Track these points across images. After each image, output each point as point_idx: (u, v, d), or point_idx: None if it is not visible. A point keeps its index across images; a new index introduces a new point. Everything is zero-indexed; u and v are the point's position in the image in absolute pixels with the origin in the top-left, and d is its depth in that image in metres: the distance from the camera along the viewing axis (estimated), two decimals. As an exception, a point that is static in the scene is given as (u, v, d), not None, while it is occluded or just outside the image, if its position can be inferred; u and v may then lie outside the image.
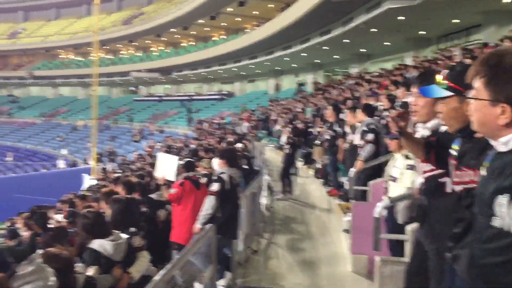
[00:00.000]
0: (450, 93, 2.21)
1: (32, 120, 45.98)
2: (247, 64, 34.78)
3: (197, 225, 5.07)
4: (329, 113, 8.83)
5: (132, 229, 4.05)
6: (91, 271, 3.27)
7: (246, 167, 8.43)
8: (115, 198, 4.44)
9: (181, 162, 6.24)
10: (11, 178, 30.11)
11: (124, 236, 3.81)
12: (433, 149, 2.57)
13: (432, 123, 2.76)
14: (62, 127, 42.90)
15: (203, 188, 5.66)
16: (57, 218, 6.48)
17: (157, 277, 2.95)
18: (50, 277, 2.73)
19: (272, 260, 6.41)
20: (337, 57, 29.54)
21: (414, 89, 2.86)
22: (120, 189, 5.51)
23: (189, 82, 46.14)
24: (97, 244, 3.46)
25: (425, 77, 2.80)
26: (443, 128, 2.56)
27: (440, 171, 2.56)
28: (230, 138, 12.84)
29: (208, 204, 5.03)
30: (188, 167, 5.89)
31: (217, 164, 5.65)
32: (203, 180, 6.04)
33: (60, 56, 55.07)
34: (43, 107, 49.38)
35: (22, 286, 2.57)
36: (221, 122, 26.87)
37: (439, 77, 2.33)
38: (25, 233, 6.28)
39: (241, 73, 39.70)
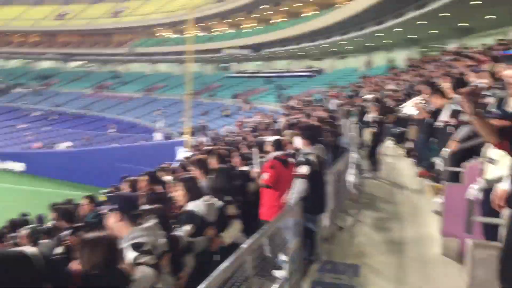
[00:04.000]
0: None
1: (132, 95, 48.95)
2: (338, 40, 34.04)
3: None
4: (427, 92, 8.43)
5: (227, 198, 4.30)
6: (186, 229, 3.56)
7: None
8: (220, 167, 4.73)
9: (270, 140, 6.00)
10: (114, 148, 32.51)
11: (217, 201, 4.08)
12: (509, 135, 2.44)
13: None
14: (159, 101, 45.21)
15: (291, 167, 5.55)
16: (168, 179, 6.97)
17: (244, 245, 3.10)
18: (161, 237, 3.09)
19: (358, 238, 6.40)
20: (434, 32, 27.93)
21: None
22: (213, 160, 5.78)
23: (279, 59, 46.26)
24: (192, 205, 3.77)
25: None
26: None
27: None
28: (320, 114, 12.77)
29: (299, 187, 4.97)
30: (277, 145, 5.69)
31: (300, 143, 5.46)
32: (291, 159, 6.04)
33: (158, 34, 57.78)
34: (142, 82, 52.31)
35: (136, 238, 2.91)
36: (309, 99, 26.72)
37: None
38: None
39: (332, 49, 38.98)
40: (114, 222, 3.04)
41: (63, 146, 36.36)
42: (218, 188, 4.41)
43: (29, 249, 2.07)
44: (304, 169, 5.05)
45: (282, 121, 16.63)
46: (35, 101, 50.98)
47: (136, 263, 2.79)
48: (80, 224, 5.59)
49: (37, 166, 31.85)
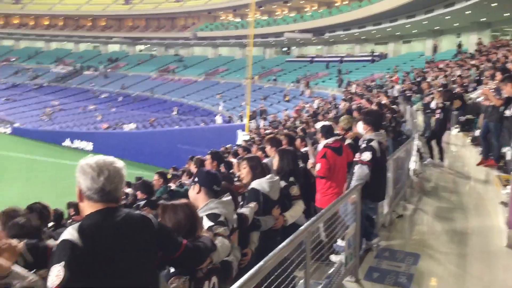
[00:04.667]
0: None
1: (194, 78, 49.97)
2: (404, 24, 32.83)
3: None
4: (498, 78, 8.05)
5: (291, 179, 4.37)
6: (251, 206, 3.68)
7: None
8: (285, 149, 4.80)
9: (318, 127, 5.89)
10: (176, 130, 33.46)
11: (281, 181, 4.16)
12: None
13: None
14: (220, 85, 45.87)
15: (345, 152, 5.53)
16: (232, 160, 7.15)
17: (302, 227, 3.15)
18: (233, 211, 3.25)
19: (418, 226, 6.29)
20: (508, 14, 26.26)
21: None
22: (284, 141, 5.87)
23: (341, 43, 45.37)
24: (256, 183, 3.87)
25: None
26: None
27: None
28: (382, 101, 12.53)
29: (361, 174, 4.89)
30: (325, 132, 5.54)
31: (361, 128, 5.31)
32: (348, 141, 5.98)
33: (220, 18, 58.34)
34: (204, 66, 53.22)
35: (212, 209, 3.07)
36: (371, 85, 26.13)
37: None
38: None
39: (396, 33, 37.70)
40: (193, 193, 3.21)
41: (129, 127, 37.90)
42: (284, 169, 4.48)
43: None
44: (366, 156, 4.98)
45: (342, 106, 16.45)
46: (103, 83, 53.33)
47: (213, 233, 2.88)
48: (153, 198, 5.90)
49: (103, 145, 33.46)
